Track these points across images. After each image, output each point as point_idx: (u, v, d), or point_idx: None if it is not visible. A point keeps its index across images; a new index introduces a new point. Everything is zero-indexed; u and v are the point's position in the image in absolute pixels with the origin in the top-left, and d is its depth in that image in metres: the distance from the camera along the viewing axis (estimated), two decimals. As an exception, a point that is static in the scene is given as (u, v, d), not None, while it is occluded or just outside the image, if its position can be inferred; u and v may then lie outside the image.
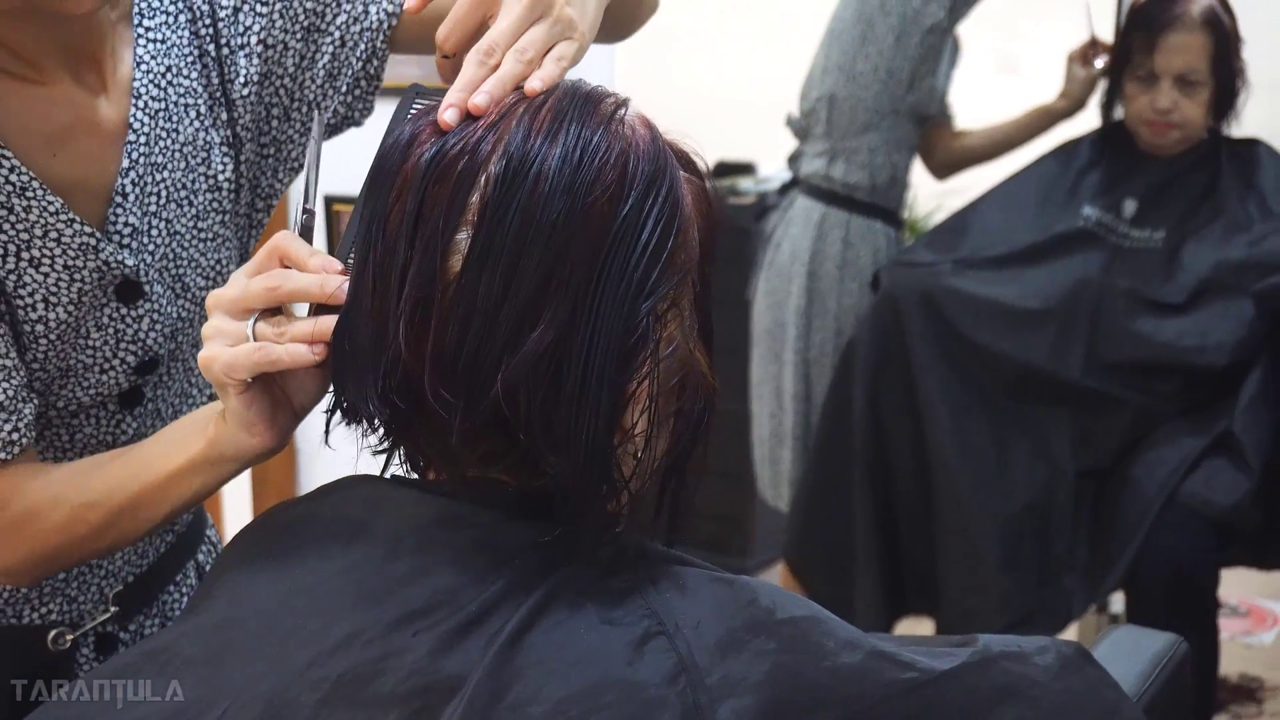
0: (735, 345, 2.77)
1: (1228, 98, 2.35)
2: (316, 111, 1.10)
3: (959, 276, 2.33)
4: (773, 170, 3.44)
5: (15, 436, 0.97)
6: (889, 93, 2.54)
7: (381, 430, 0.83)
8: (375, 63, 1.12)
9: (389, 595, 0.76)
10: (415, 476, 0.86)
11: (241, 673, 0.78)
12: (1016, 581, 2.17)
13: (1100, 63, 2.52)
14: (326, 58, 1.10)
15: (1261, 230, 2.25)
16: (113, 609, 1.12)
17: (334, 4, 1.09)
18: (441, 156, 0.78)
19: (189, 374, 1.14)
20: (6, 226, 0.96)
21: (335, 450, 0.85)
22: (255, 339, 0.84)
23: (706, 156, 0.86)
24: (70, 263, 0.99)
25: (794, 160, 2.75)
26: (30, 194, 0.96)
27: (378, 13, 1.10)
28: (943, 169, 2.78)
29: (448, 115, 0.80)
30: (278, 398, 0.88)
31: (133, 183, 1.03)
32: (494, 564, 0.77)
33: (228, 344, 0.85)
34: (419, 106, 0.83)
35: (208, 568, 1.21)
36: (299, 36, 1.09)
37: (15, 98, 0.98)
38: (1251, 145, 2.41)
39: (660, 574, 0.79)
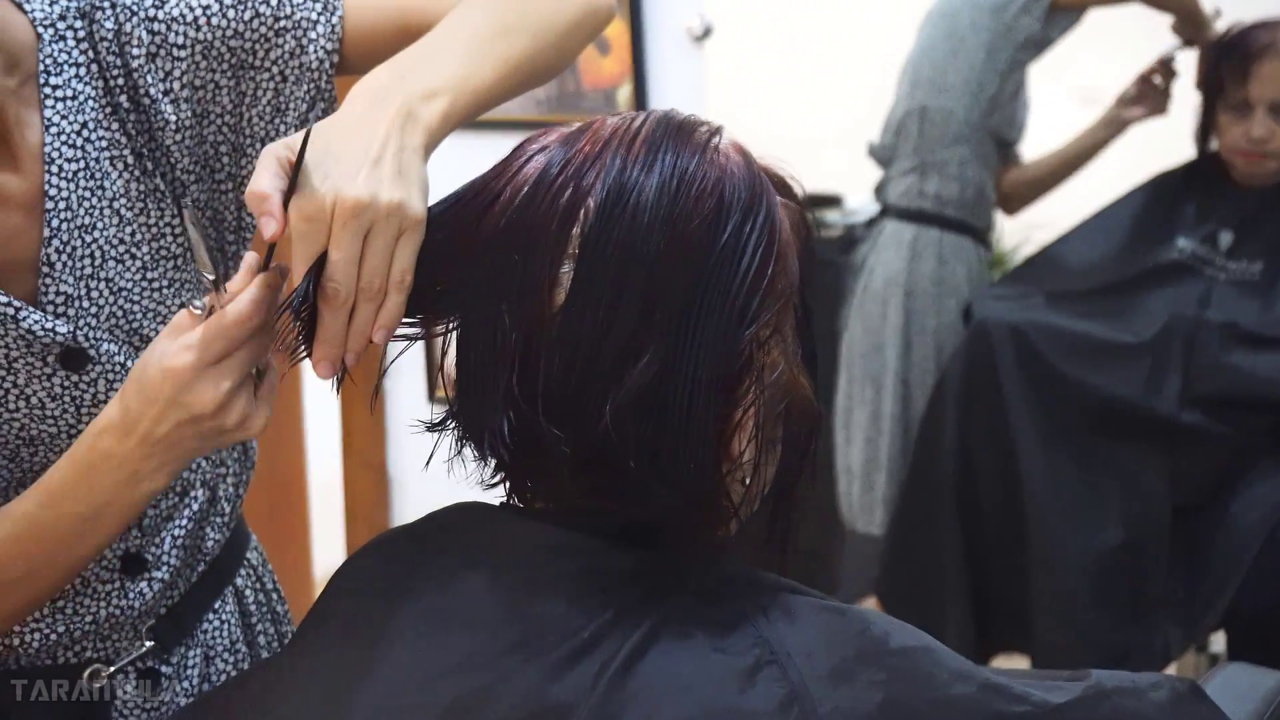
0: (821, 379, 2.76)
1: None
2: (185, 210, 1.04)
3: (1051, 309, 2.30)
4: (859, 203, 3.43)
5: None
6: (979, 106, 2.55)
7: (494, 462, 0.83)
8: (323, 104, 1.07)
9: (499, 622, 0.77)
10: (520, 505, 0.87)
11: (353, 697, 0.79)
12: (1109, 618, 2.13)
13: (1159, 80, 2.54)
14: (269, 94, 1.05)
15: (1359, 263, 2.21)
16: (148, 644, 1.09)
17: (263, 40, 1.04)
18: (543, 189, 0.79)
19: None
20: None
21: (428, 478, 0.86)
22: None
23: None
24: None
25: (880, 190, 2.74)
26: None
27: (316, 52, 1.05)
28: (1010, 202, 2.76)
29: (320, 370, 0.84)
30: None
31: (57, 250, 0.98)
32: (603, 591, 0.77)
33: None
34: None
35: (247, 592, 1.19)
36: (228, 74, 1.04)
37: None
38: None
39: (770, 602, 0.78)
